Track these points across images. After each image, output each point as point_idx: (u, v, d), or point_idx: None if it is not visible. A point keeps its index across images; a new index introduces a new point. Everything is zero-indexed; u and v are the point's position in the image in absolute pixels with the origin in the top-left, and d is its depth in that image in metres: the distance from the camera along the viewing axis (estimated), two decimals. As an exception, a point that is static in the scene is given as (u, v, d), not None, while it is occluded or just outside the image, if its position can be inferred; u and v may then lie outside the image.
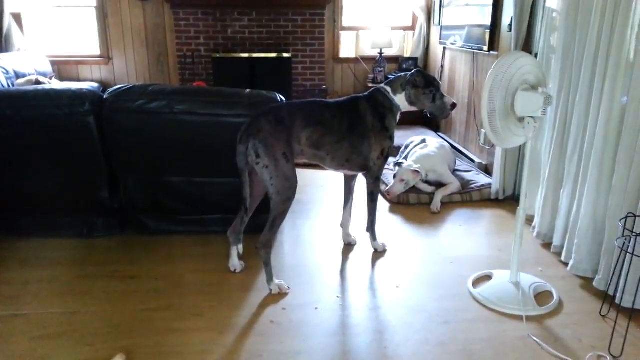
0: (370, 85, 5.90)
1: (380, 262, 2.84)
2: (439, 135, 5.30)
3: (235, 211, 2.62)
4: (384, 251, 2.96)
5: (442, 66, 5.48)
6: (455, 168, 4.16)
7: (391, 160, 4.45)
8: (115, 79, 6.15)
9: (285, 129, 2.40)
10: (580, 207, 2.62)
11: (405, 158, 4.09)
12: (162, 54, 6.10)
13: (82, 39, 6.12)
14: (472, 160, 4.45)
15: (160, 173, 2.97)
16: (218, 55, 5.93)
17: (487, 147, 4.21)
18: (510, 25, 3.61)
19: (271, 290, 2.48)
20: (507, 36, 3.81)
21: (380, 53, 5.92)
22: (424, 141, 4.16)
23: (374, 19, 6.22)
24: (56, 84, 5.38)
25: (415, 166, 3.72)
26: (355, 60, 6.25)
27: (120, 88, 2.86)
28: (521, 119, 2.33)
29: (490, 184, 3.81)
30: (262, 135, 2.34)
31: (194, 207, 3.07)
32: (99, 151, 2.88)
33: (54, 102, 2.77)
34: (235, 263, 2.69)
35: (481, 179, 3.96)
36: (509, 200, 3.73)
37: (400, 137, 5.10)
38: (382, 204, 3.70)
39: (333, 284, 2.60)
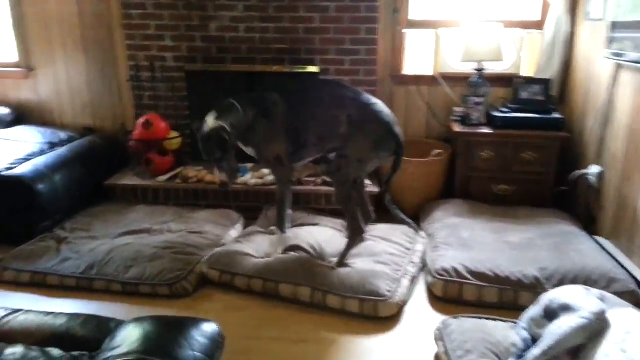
0: (456, 130, 3.23)
1: None
2: (600, 246, 2.54)
3: None
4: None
5: (611, 100, 2.72)
6: None
7: (511, 331, 1.77)
8: (41, 100, 3.88)
9: None
10: None
11: (534, 340, 1.43)
12: (106, 64, 3.74)
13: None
14: None
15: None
16: (194, 68, 3.51)
17: None
18: None
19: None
20: None
21: (480, 70, 3.24)
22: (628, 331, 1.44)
23: (466, 10, 3.53)
24: None
25: None
26: (431, 81, 3.58)
27: None
28: None
29: None
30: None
31: None
32: None
33: None
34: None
35: None
36: None
37: (520, 249, 2.38)
38: None
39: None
